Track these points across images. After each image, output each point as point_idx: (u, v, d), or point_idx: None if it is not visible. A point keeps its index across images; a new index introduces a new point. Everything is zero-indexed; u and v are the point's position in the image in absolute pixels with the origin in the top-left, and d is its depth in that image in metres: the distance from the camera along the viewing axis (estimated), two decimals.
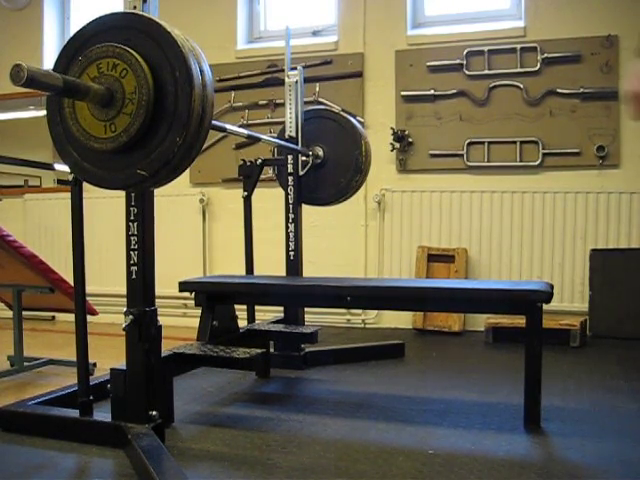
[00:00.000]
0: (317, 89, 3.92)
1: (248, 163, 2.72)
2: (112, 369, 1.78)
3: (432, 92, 3.75)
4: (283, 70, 2.88)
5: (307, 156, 2.80)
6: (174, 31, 1.40)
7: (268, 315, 3.07)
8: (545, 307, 1.86)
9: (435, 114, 3.75)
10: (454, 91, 3.72)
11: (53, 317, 4.30)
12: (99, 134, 1.43)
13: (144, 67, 1.38)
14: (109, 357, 2.49)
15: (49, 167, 4.54)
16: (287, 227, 2.81)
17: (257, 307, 2.73)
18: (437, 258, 3.69)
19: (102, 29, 1.46)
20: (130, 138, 1.39)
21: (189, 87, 1.37)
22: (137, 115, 1.38)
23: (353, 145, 2.87)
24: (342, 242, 3.89)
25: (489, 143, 3.67)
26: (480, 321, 3.48)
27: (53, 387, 2.22)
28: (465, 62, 3.70)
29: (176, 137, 1.38)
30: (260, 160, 2.71)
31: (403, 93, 3.81)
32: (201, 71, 1.41)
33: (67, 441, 1.77)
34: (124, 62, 1.39)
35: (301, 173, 2.79)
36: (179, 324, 3.62)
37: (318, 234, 3.82)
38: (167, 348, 1.96)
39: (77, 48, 1.48)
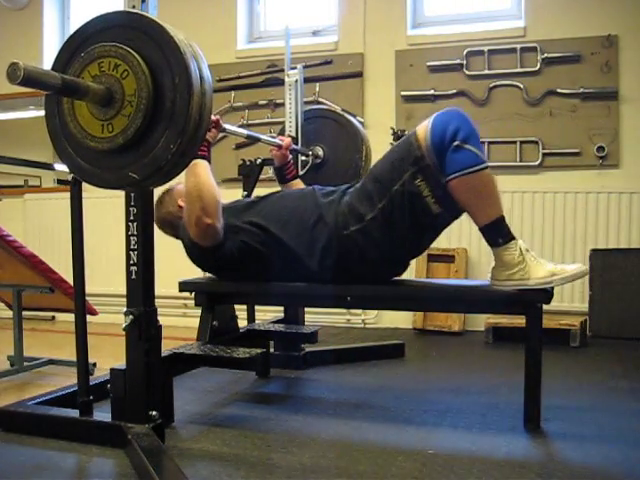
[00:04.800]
0: (317, 89, 3.92)
1: (248, 163, 2.72)
2: (112, 369, 1.77)
3: (432, 92, 3.75)
4: (283, 70, 2.88)
5: (307, 156, 2.80)
6: (177, 36, 1.39)
7: (268, 315, 3.07)
8: (545, 307, 1.86)
9: None
10: (454, 91, 3.72)
11: (53, 317, 4.30)
12: (96, 133, 1.42)
13: (145, 70, 1.37)
14: (109, 357, 2.48)
15: (49, 167, 4.56)
16: None
17: (257, 307, 2.73)
18: (437, 258, 3.69)
19: (106, 27, 1.44)
20: (126, 140, 1.39)
21: (187, 94, 1.36)
22: (135, 118, 1.37)
23: (353, 148, 2.84)
24: None
25: (489, 143, 3.66)
26: (480, 321, 3.48)
27: (53, 387, 2.22)
28: (465, 62, 3.70)
29: (170, 144, 1.37)
30: (260, 160, 2.71)
31: (403, 93, 3.81)
32: (201, 78, 1.39)
33: (67, 441, 1.77)
34: (126, 63, 1.38)
35: (301, 173, 2.79)
36: (179, 324, 3.62)
37: None
38: (167, 348, 1.96)
39: (80, 43, 1.46)
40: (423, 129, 1.86)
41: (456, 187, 1.82)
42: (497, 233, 1.86)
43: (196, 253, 2.09)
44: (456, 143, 1.79)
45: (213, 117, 2.02)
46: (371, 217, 1.92)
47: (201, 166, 1.98)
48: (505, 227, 1.86)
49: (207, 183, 1.96)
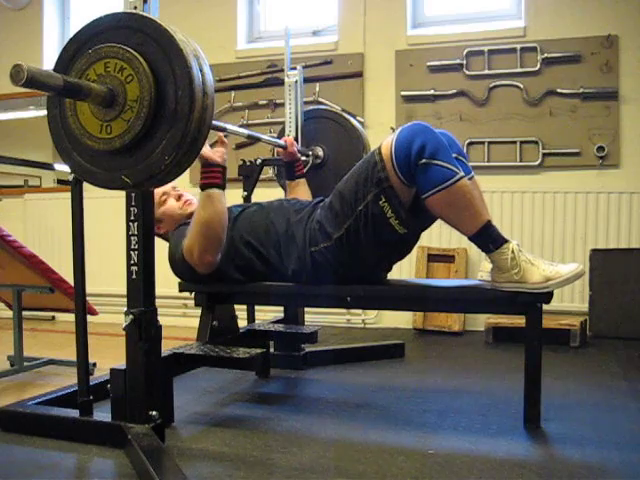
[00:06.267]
0: (317, 89, 3.92)
1: (248, 163, 2.72)
2: (112, 369, 1.78)
3: (432, 92, 3.75)
4: (283, 70, 2.88)
5: (307, 156, 2.80)
6: (186, 48, 1.37)
7: (268, 315, 3.07)
8: (545, 307, 1.86)
9: (435, 114, 3.75)
10: (454, 91, 3.72)
11: (53, 317, 4.30)
12: (94, 132, 1.41)
13: (150, 78, 1.35)
14: (109, 357, 2.48)
15: (49, 167, 4.56)
16: None
17: (257, 307, 2.73)
18: (437, 258, 3.69)
19: (117, 26, 1.42)
20: (123, 145, 1.38)
21: (189, 108, 1.35)
22: (134, 124, 1.36)
23: (356, 156, 2.80)
24: None
25: (489, 143, 3.67)
26: (480, 321, 3.48)
27: (53, 387, 2.22)
28: (465, 62, 3.70)
29: (166, 155, 1.36)
30: (260, 160, 2.71)
31: (403, 93, 3.81)
32: (204, 93, 1.38)
33: (67, 441, 1.77)
34: (131, 68, 1.36)
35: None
36: (179, 324, 3.63)
37: None
38: (167, 348, 1.96)
39: (89, 38, 1.44)
40: (387, 148, 1.83)
41: (433, 205, 1.82)
42: (486, 240, 1.84)
43: (183, 270, 2.10)
44: (423, 161, 1.77)
45: (219, 135, 2.04)
46: (338, 236, 1.93)
47: (216, 198, 1.93)
48: (493, 232, 1.84)
49: (219, 220, 1.94)
